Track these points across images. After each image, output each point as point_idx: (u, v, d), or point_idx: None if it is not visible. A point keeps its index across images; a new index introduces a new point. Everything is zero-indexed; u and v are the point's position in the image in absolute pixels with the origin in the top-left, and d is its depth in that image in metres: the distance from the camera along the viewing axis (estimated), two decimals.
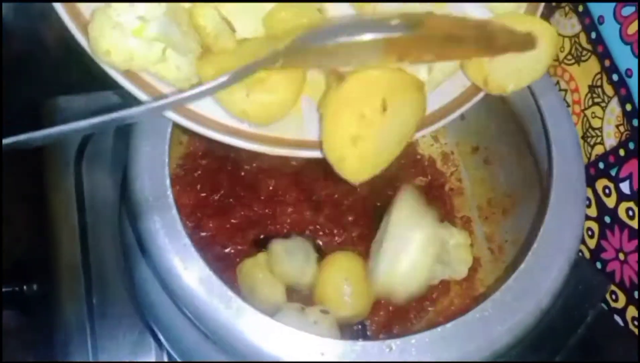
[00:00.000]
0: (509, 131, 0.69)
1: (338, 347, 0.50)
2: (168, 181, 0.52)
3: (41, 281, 0.80)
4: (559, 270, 0.55)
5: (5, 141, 0.39)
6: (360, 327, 0.67)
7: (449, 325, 0.51)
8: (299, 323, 0.59)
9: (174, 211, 0.51)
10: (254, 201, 0.71)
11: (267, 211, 0.72)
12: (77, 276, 0.77)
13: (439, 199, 0.77)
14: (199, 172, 0.72)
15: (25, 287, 0.78)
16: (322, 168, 0.73)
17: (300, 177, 0.73)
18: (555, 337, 0.57)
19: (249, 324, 0.49)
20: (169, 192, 0.52)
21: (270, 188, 0.72)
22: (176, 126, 0.55)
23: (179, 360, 0.61)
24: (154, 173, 0.53)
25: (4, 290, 0.77)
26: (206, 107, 0.52)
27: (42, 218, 0.80)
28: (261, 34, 0.56)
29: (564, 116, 0.62)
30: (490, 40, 0.54)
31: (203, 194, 0.71)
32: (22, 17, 0.86)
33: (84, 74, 0.89)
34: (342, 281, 0.62)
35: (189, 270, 0.50)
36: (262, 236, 0.70)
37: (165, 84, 0.52)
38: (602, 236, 0.68)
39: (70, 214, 0.80)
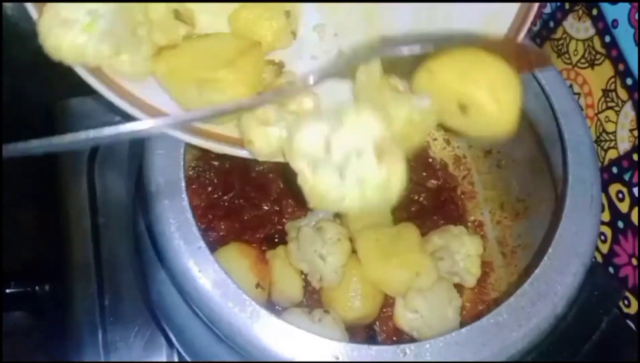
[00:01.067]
0: (523, 135, 0.69)
1: (352, 351, 0.49)
2: (183, 184, 0.52)
3: (53, 282, 0.80)
4: (574, 276, 0.55)
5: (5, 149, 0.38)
6: (371, 332, 0.67)
7: (463, 330, 0.51)
8: (306, 323, 0.60)
9: (189, 214, 0.51)
10: (264, 201, 0.71)
11: (276, 209, 0.72)
12: (89, 277, 0.77)
13: (450, 203, 0.76)
14: (211, 173, 0.72)
15: (37, 288, 0.79)
16: None
17: None
18: (570, 343, 0.56)
19: (263, 327, 0.49)
20: (184, 195, 0.52)
21: (280, 188, 0.72)
22: None
23: (189, 360, 0.61)
24: (169, 177, 0.53)
25: (16, 291, 0.77)
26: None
27: (55, 219, 0.80)
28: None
29: (579, 121, 0.61)
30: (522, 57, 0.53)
31: (215, 196, 0.70)
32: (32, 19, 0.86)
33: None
34: (349, 283, 0.62)
35: (203, 273, 0.50)
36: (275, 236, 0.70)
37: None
38: (615, 241, 0.68)
39: (83, 216, 0.80)
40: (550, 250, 0.55)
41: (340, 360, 0.49)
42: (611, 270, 0.68)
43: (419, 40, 0.49)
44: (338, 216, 0.67)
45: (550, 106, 0.62)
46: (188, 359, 0.62)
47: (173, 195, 0.52)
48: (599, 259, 0.70)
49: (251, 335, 0.49)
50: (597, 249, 0.69)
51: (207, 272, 0.50)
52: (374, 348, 0.49)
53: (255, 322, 0.49)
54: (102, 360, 0.73)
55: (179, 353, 0.71)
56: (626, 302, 0.66)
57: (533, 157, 0.68)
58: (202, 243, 0.51)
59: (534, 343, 0.53)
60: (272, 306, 0.65)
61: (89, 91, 0.84)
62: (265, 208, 0.71)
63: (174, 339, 0.62)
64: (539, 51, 0.56)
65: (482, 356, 0.51)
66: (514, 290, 0.54)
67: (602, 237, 0.69)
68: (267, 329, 0.49)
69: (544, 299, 0.53)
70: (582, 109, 0.71)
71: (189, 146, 0.55)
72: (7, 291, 0.77)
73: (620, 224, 0.67)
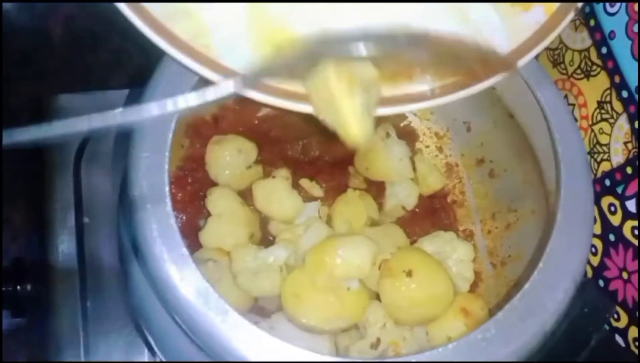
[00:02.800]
0: (516, 145, 0.68)
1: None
2: (167, 189, 0.51)
3: (35, 281, 0.79)
4: (564, 291, 0.54)
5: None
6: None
7: (450, 345, 0.50)
8: (292, 330, 0.59)
9: (172, 220, 0.50)
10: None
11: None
12: (72, 277, 0.76)
13: (441, 211, 0.76)
14: (199, 174, 0.71)
15: (19, 287, 0.77)
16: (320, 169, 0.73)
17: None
18: (558, 361, 0.55)
19: (245, 339, 0.48)
20: (168, 200, 0.51)
21: None
22: (177, 131, 0.55)
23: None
24: (153, 181, 0.51)
25: None
26: None
27: (39, 218, 0.79)
28: None
29: (574, 134, 0.60)
30: (484, 62, 0.53)
31: (201, 193, 0.70)
32: (26, 14, 0.85)
33: (87, 73, 0.89)
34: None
35: (185, 281, 0.49)
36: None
37: None
38: (606, 254, 0.67)
39: (68, 215, 0.79)
40: (540, 265, 0.54)
41: None
42: (601, 283, 0.67)
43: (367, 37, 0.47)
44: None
45: (544, 118, 0.61)
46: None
47: (156, 200, 0.51)
48: (589, 272, 0.69)
49: (232, 346, 0.48)
50: (588, 262, 0.69)
51: (189, 280, 0.49)
52: (357, 361, 0.49)
53: (237, 333, 0.48)
54: (83, 360, 0.72)
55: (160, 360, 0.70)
56: (615, 316, 0.66)
57: (526, 168, 0.68)
58: (184, 250, 0.50)
59: (522, 360, 0.52)
60: (259, 310, 0.64)
61: (79, 87, 0.84)
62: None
63: (154, 346, 0.60)
64: (503, 57, 0.55)
65: None
66: (502, 304, 0.53)
67: (593, 250, 0.68)
68: (249, 341, 0.48)
69: (533, 315, 0.52)
70: (577, 120, 0.70)
71: (175, 147, 0.54)
72: None
73: (612, 237, 0.66)
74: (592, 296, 0.57)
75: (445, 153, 0.81)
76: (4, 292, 0.76)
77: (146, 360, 0.73)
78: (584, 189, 0.58)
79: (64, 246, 0.77)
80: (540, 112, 0.62)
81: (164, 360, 0.60)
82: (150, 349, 0.71)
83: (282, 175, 0.69)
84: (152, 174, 0.52)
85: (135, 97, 0.58)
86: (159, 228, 0.50)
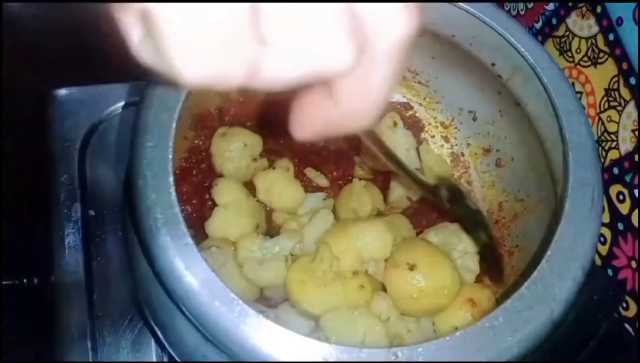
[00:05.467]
0: (523, 134, 0.68)
1: (342, 352, 0.48)
2: (171, 179, 0.51)
3: (42, 275, 0.79)
4: (573, 280, 0.53)
5: None
6: None
7: (457, 333, 0.49)
8: (298, 321, 0.60)
9: (177, 209, 0.50)
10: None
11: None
12: (79, 270, 0.76)
13: None
14: (204, 166, 0.71)
15: (25, 281, 0.78)
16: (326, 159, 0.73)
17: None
18: (567, 349, 0.55)
19: (251, 327, 0.48)
20: (172, 190, 0.50)
21: None
22: (182, 123, 0.54)
23: (178, 360, 0.60)
24: (157, 170, 0.51)
25: (6, 283, 0.76)
26: None
27: (45, 211, 0.79)
28: None
29: (581, 121, 0.60)
30: None
31: (206, 184, 0.70)
32: (29, 7, 0.85)
33: (89, 66, 0.89)
34: None
35: (189, 270, 0.49)
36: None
37: None
38: (615, 243, 0.66)
39: (74, 208, 0.79)
40: (548, 253, 0.53)
41: (329, 361, 0.48)
42: (610, 272, 0.67)
43: None
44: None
45: (552, 105, 0.61)
46: (176, 357, 0.61)
47: (160, 190, 0.50)
48: (598, 261, 0.68)
49: (238, 335, 0.47)
50: (597, 251, 0.68)
51: (194, 270, 0.49)
52: (365, 350, 0.48)
53: (243, 322, 0.48)
54: (90, 354, 0.72)
55: (168, 352, 0.70)
56: (624, 305, 0.65)
57: (533, 156, 0.67)
58: (189, 240, 0.49)
59: (530, 349, 0.51)
60: (265, 300, 0.64)
61: (79, 81, 0.84)
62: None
63: (161, 337, 0.60)
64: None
65: (477, 360, 0.49)
66: (510, 292, 0.52)
67: (602, 239, 0.68)
68: (254, 329, 0.48)
69: (541, 303, 0.51)
70: (584, 108, 0.70)
71: (179, 138, 0.54)
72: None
73: (620, 226, 0.65)
74: (602, 284, 0.56)
75: (451, 142, 0.80)
76: (10, 286, 0.77)
77: (153, 353, 0.73)
78: (593, 176, 0.58)
79: (70, 239, 0.77)
80: (547, 99, 0.61)
81: (170, 350, 0.60)
82: (157, 340, 0.71)
83: (283, 166, 0.69)
84: (156, 164, 0.52)
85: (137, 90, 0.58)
86: (164, 217, 0.50)
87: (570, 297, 0.53)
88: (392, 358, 0.48)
